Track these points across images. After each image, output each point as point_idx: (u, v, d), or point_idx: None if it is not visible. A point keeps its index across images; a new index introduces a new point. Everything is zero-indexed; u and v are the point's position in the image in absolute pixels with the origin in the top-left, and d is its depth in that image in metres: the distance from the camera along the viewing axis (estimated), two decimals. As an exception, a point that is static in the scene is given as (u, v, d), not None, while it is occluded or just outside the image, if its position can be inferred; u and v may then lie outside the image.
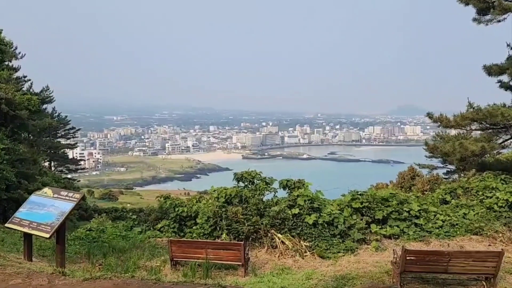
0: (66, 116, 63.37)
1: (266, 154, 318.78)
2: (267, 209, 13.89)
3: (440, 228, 13.64)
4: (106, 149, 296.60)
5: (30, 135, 47.79)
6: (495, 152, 23.38)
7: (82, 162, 79.46)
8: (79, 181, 69.91)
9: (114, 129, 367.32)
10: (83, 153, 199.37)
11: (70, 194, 9.46)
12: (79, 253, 12.00)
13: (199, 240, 12.68)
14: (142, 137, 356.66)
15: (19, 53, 32.54)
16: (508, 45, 19.39)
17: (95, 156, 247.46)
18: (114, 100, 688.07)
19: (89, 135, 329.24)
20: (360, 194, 14.52)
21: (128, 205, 67.04)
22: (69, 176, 62.34)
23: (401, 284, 9.30)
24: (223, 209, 13.79)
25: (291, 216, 13.31)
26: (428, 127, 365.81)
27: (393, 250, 10.38)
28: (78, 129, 67.86)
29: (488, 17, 18.73)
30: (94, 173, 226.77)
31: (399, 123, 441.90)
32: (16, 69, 36.26)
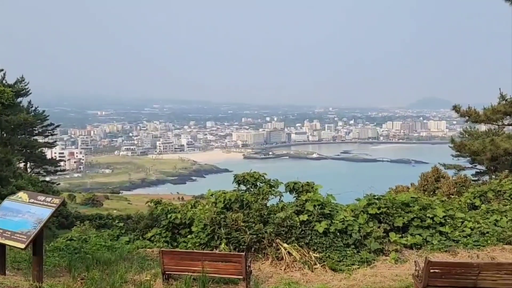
0: (43, 111, 63.55)
1: (270, 153, 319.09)
2: (272, 215, 13.87)
3: (468, 237, 13.60)
4: (89, 148, 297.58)
5: (3, 132, 47.89)
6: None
7: (62, 163, 79.64)
8: (59, 184, 70.02)
9: (98, 126, 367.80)
10: (63, 153, 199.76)
11: (49, 199, 9.46)
12: (59, 266, 11.99)
13: (195, 250, 12.66)
14: (130, 134, 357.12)
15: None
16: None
17: (76, 156, 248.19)
18: (99, 93, 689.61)
19: (70, 132, 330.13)
20: (377, 199, 14.49)
21: (114, 211, 67.15)
22: (47, 178, 62.49)
23: (424, 300, 9.27)
24: (222, 216, 13.77)
25: (298, 224, 13.29)
26: (454, 122, 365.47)
27: (415, 261, 10.35)
28: (58, 126, 68.00)
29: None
30: (75, 175, 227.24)
31: (421, 118, 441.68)
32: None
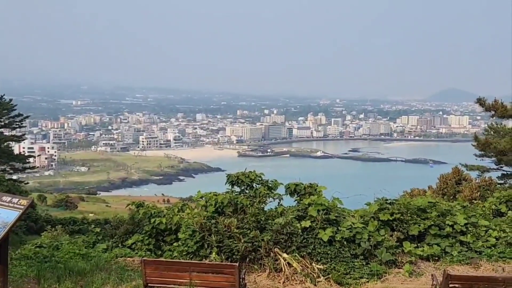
0: (10, 100, 63.29)
1: (269, 150, 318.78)
2: (270, 221, 13.87)
3: (493, 248, 13.62)
4: (63, 143, 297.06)
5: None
6: None
7: (31, 159, 79.39)
8: (27, 183, 69.89)
9: (73, 117, 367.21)
10: (32, 148, 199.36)
11: (15, 200, 9.42)
12: (26, 276, 11.97)
13: (182, 260, 12.65)
14: (109, 127, 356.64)
15: None
16: None
17: (48, 151, 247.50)
18: (74, 80, 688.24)
19: (41, 124, 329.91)
20: (390, 203, 14.50)
21: (91, 215, 67.16)
22: (14, 177, 62.31)
23: (442, 319, 9.29)
24: (213, 221, 13.76)
25: (300, 231, 13.29)
26: (478, 117, 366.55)
27: (432, 275, 10.36)
28: (27, 117, 67.64)
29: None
30: (46, 173, 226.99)
31: (441, 112, 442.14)
32: None
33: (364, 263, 12.83)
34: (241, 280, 10.81)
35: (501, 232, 14.19)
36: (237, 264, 10.84)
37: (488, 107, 31.78)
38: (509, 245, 13.74)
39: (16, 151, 67.02)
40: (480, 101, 32.39)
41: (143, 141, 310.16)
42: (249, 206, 14.45)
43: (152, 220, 14.99)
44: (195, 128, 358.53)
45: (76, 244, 15.19)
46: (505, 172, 39.87)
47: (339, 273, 12.36)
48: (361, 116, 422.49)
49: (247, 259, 13.03)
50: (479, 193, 25.91)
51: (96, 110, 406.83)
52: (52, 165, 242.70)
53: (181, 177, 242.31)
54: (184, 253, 13.44)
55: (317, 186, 15.60)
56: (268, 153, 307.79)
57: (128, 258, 14.05)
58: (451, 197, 27.46)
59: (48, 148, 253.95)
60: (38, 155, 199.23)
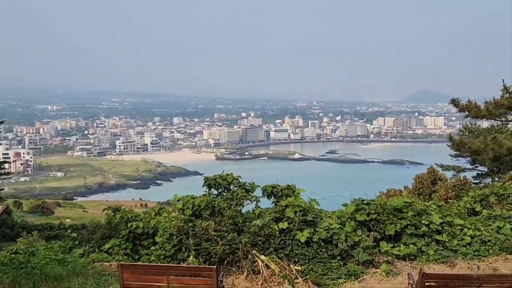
0: (-16, 105, 62.45)
1: (246, 153, 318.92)
2: (247, 223, 13.86)
3: (468, 246, 13.75)
4: (38, 148, 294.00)
5: None
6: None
7: (6, 165, 78.29)
8: (3, 189, 69.01)
9: (49, 122, 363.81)
10: (7, 154, 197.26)
11: (-11, 206, 9.34)
12: (2, 283, 11.83)
13: (159, 264, 12.59)
14: (86, 132, 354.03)
15: None
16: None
17: (23, 157, 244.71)
18: (49, 84, 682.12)
19: (16, 129, 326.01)
20: (366, 204, 14.58)
21: (67, 220, 66.57)
22: (-11, 183, 61.53)
23: (419, 317, 9.34)
24: (190, 224, 13.72)
25: (277, 233, 13.30)
26: (453, 118, 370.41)
27: (408, 274, 10.44)
28: (1, 122, 67.00)
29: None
30: (22, 179, 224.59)
31: (416, 113, 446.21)
32: None
33: (341, 263, 12.87)
34: (219, 282, 10.79)
35: (476, 230, 14.32)
36: (215, 267, 10.82)
37: (462, 107, 32.11)
38: (484, 243, 13.89)
39: (-10, 157, 66.16)
40: (454, 102, 32.72)
41: (120, 146, 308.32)
42: (226, 208, 14.45)
43: (129, 224, 14.91)
44: (172, 132, 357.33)
45: (53, 250, 15.07)
46: (479, 172, 40.35)
47: (316, 274, 12.39)
48: (338, 118, 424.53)
49: (225, 261, 13.01)
50: (454, 192, 26.16)
51: (72, 115, 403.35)
52: (28, 170, 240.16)
53: (159, 181, 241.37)
54: (161, 257, 13.38)
55: (294, 188, 15.63)
56: (246, 156, 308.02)
57: (105, 263, 13.95)
58: (427, 197, 27.68)
59: (24, 153, 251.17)
60: (14, 161, 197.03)
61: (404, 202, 14.76)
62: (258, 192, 15.74)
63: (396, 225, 13.93)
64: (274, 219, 13.77)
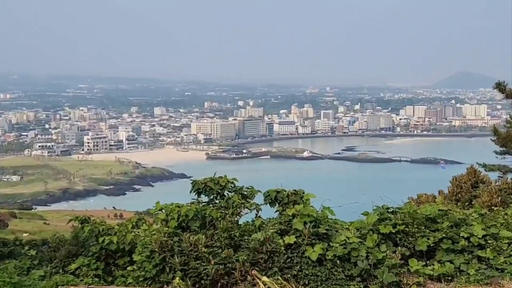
0: None
1: (244, 151, 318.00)
2: (245, 237, 13.85)
3: (517, 265, 13.74)
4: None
5: None
6: None
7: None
8: None
9: (1, 114, 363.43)
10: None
11: None
12: None
13: (138, 287, 12.64)
14: (47, 126, 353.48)
15: None
16: None
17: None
18: (4, 69, 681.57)
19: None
20: (392, 212, 14.56)
21: (25, 234, 66.49)
22: None
23: None
24: (176, 239, 13.71)
25: (283, 249, 13.28)
26: (498, 106, 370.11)
27: (444, 299, 10.44)
28: None
29: None
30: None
31: (453, 101, 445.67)
32: None
33: (361, 286, 12.87)
34: (211, 310, 10.83)
35: (527, 245, 14.30)
36: (206, 291, 10.87)
37: (510, 93, 32.03)
38: (537, 260, 13.88)
39: None
40: (500, 87, 32.60)
41: (88, 143, 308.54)
42: (220, 219, 14.43)
43: (101, 239, 14.89)
44: (153, 125, 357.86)
45: (6, 271, 15.06)
46: (531, 173, 40.29)
47: (331, 299, 12.41)
48: (357, 107, 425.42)
49: (219, 284, 13.01)
50: (500, 198, 26.13)
51: (30, 105, 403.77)
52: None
53: (137, 186, 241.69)
54: (140, 279, 13.38)
55: (303, 193, 15.63)
56: (244, 155, 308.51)
57: (72, 287, 13.98)
58: (466, 204, 27.67)
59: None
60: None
61: (439, 210, 14.76)
62: (258, 199, 15.74)
63: (428, 239, 13.92)
64: (279, 232, 13.76)
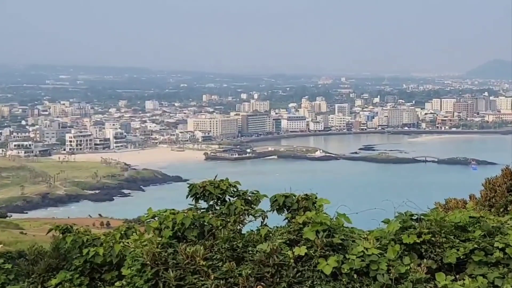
0: None
1: (248, 150, 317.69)
2: (250, 248, 13.88)
3: (560, 279, 13.75)
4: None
5: None
6: None
7: None
8: None
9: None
10: None
11: None
12: None
13: (127, 306, 12.66)
14: (23, 122, 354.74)
15: None
16: None
17: None
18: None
19: None
20: (416, 220, 14.57)
21: (-1, 246, 66.82)
22: None
23: None
24: (170, 250, 13.73)
25: (292, 261, 13.30)
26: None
27: (477, 318, 10.44)
28: None
29: None
30: None
31: (486, 93, 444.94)
32: None
33: (382, 303, 12.93)
34: (211, 331, 10.86)
35: None
36: (205, 309, 10.91)
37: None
38: None
39: None
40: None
41: (71, 141, 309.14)
42: (220, 228, 14.45)
43: (85, 251, 14.90)
44: (144, 122, 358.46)
45: (-22, 287, 15.14)
46: None
47: (348, 319, 12.45)
48: (376, 100, 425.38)
49: (220, 302, 13.08)
50: (540, 203, 26.21)
51: (4, 99, 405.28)
52: None
53: (126, 191, 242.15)
54: (130, 296, 13.45)
55: (315, 198, 15.63)
56: (248, 155, 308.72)
57: (52, 305, 14.05)
58: (501, 210, 27.71)
59: None
60: None
61: (470, 217, 14.76)
62: (264, 205, 15.77)
63: (458, 250, 13.93)
64: (288, 242, 13.78)
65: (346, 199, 15.82)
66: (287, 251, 13.51)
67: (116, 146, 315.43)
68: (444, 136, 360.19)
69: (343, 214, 14.53)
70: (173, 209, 15.29)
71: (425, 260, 13.87)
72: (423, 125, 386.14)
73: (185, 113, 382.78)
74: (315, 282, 13.11)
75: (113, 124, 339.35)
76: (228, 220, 14.99)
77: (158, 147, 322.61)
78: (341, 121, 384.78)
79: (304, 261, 13.40)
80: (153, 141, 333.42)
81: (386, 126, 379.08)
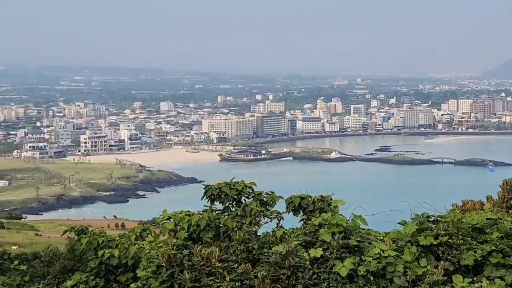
0: None
1: (263, 152, 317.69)
2: (265, 250, 13.88)
3: None
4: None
5: None
6: None
7: None
8: None
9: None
10: None
11: None
12: None
13: (142, 308, 12.68)
14: (38, 123, 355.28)
15: None
16: None
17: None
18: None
19: None
20: (433, 221, 14.53)
21: (14, 247, 66.97)
22: None
23: None
24: (186, 252, 13.74)
25: (308, 263, 13.29)
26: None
27: (494, 321, 10.39)
28: None
29: None
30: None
31: (503, 94, 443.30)
32: None
33: (398, 305, 12.89)
34: (226, 333, 10.86)
35: None
36: (220, 311, 10.91)
37: None
38: None
39: None
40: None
41: (85, 143, 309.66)
42: (236, 229, 14.45)
43: (100, 252, 14.94)
44: (159, 123, 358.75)
45: (-6, 289, 15.18)
46: None
47: (364, 321, 12.42)
48: (392, 101, 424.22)
49: (235, 304, 13.08)
50: (558, 205, 26.06)
51: (19, 100, 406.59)
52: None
53: (140, 192, 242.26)
54: (145, 298, 13.47)
55: (331, 199, 15.62)
56: (263, 156, 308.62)
57: (67, 307, 14.08)
58: (520, 212, 27.62)
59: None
60: None
61: (487, 219, 14.69)
62: (280, 206, 15.76)
63: (475, 252, 13.87)
64: (303, 244, 13.76)
65: (361, 200, 15.74)
66: (303, 253, 13.49)
67: (130, 148, 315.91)
68: (460, 137, 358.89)
69: (359, 215, 14.49)
70: (188, 211, 15.29)
71: (442, 262, 13.82)
72: (440, 126, 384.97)
73: (200, 114, 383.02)
74: (331, 284, 13.09)
75: (128, 126, 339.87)
76: (244, 221, 14.97)
77: (172, 149, 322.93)
78: (356, 122, 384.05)
79: (320, 263, 13.38)
80: (167, 142, 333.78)
81: (402, 127, 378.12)
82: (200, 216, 14.80)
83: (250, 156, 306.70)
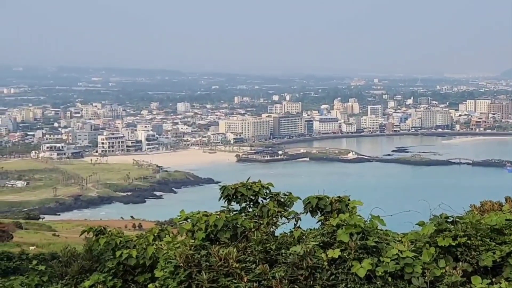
0: None
1: (280, 153, 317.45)
2: (283, 251, 13.85)
3: None
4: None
5: None
6: None
7: None
8: None
9: (4, 111, 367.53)
10: None
11: None
12: None
13: (160, 308, 12.68)
14: (56, 124, 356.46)
15: None
16: None
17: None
18: (4, 60, 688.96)
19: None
20: (452, 222, 14.46)
21: (32, 248, 67.26)
22: None
23: None
24: (203, 252, 13.75)
25: (326, 264, 13.26)
26: None
27: (514, 322, 10.32)
28: None
29: None
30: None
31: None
32: None
33: (417, 307, 12.84)
34: (244, 334, 10.84)
35: None
36: (238, 311, 10.90)
37: None
38: None
39: None
40: None
41: (103, 143, 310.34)
42: (253, 230, 14.44)
43: (118, 253, 14.96)
44: (176, 123, 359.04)
45: (12, 289, 15.22)
46: None
47: (382, 322, 12.38)
48: (409, 102, 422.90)
49: (253, 304, 13.07)
50: None
51: (37, 101, 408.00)
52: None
53: (158, 193, 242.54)
54: (163, 298, 13.47)
55: (349, 200, 15.58)
56: (279, 157, 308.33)
57: (85, 307, 14.11)
58: (539, 213, 27.48)
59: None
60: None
61: (506, 220, 14.61)
62: (297, 207, 15.72)
63: (494, 253, 13.79)
64: (321, 244, 13.73)
65: (379, 201, 15.74)
66: (321, 253, 13.45)
67: (148, 148, 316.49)
68: (478, 138, 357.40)
69: (377, 216, 14.43)
70: (206, 211, 15.29)
71: (460, 263, 13.74)
72: (457, 126, 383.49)
73: (216, 115, 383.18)
74: (349, 285, 13.04)
75: (145, 126, 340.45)
76: (261, 222, 14.94)
77: (189, 149, 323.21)
78: (373, 122, 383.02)
79: (338, 263, 13.33)
80: (185, 143, 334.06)
81: (419, 128, 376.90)
82: (218, 216, 14.79)
83: (267, 156, 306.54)
